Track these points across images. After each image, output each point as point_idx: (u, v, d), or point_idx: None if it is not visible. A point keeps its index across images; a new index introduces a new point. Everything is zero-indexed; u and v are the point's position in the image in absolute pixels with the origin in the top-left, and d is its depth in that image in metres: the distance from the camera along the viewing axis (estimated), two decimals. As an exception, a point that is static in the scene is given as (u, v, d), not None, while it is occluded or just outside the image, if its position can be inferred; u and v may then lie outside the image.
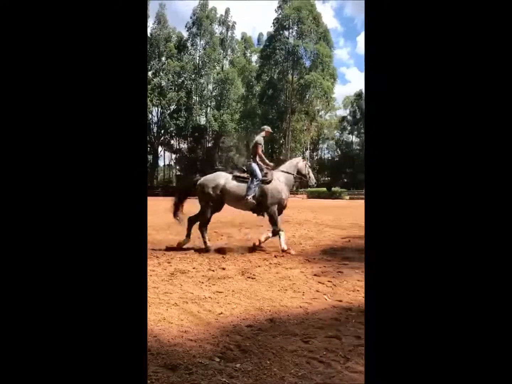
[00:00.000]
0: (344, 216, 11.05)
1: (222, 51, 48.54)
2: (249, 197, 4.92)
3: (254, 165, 5.15)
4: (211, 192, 4.99)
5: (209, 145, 45.95)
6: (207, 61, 45.26)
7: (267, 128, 5.63)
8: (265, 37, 43.85)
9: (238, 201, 5.05)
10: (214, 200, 5.01)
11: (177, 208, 5.30)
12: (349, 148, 65.05)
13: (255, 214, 5.31)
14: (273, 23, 39.04)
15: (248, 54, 51.34)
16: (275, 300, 2.76)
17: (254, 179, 5.01)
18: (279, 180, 5.17)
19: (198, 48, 46.65)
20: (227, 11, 48.83)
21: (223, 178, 5.13)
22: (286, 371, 1.66)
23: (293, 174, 5.36)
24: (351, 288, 3.13)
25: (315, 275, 3.58)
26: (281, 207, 5.21)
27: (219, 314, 2.46)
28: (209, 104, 47.01)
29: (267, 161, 5.40)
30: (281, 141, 40.74)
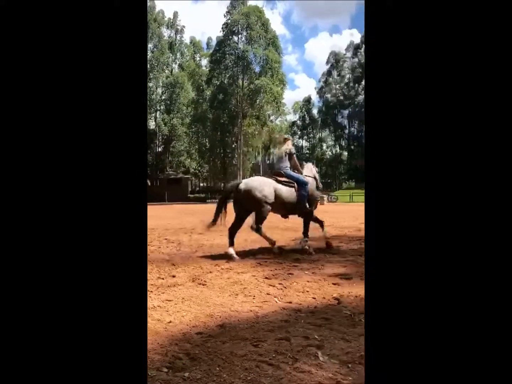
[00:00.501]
0: (295, 218, 11.25)
1: (171, 55, 47.86)
2: (307, 205, 5.21)
3: (294, 173, 5.28)
4: (261, 197, 4.85)
5: (159, 149, 44.97)
6: (156, 64, 44.41)
7: (288, 136, 5.75)
8: (214, 41, 43.86)
9: (290, 206, 5.21)
10: (263, 205, 4.90)
11: (219, 212, 5.28)
12: (299, 152, 66.56)
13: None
14: (222, 28, 39.16)
15: (198, 58, 51.05)
16: (225, 306, 2.75)
17: (304, 186, 5.15)
18: (310, 185, 5.36)
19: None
20: (175, 14, 48.30)
21: (272, 184, 5.06)
22: (236, 376, 1.66)
23: (314, 178, 5.55)
24: (300, 289, 3.19)
25: (266, 278, 3.61)
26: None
27: (168, 322, 2.40)
28: (158, 108, 46.11)
29: (300, 168, 5.50)
30: (233, 145, 40.83)
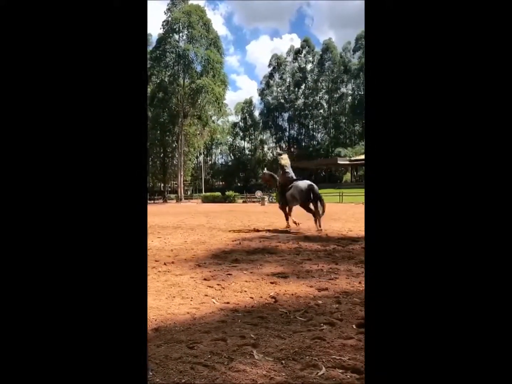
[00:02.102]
0: (236, 219, 11.32)
1: (107, 49, 45.86)
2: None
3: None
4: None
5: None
6: (91, 58, 42.26)
7: (278, 152, 8.56)
8: (154, 38, 42.64)
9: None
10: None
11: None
12: (241, 153, 67.06)
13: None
14: (162, 25, 38.26)
15: (137, 55, 49.42)
16: (161, 309, 2.69)
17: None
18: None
19: (80, 43, 43.29)
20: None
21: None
22: (170, 380, 1.63)
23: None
24: (238, 289, 3.21)
25: (204, 279, 3.59)
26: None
27: (100, 329, 2.29)
28: (94, 104, 43.94)
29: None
30: (174, 145, 40.04)
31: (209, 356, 1.86)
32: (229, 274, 3.78)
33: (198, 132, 39.96)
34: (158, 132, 39.28)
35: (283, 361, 1.80)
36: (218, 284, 3.37)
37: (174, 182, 41.32)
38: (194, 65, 38.15)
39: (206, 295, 3.04)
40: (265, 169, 8.66)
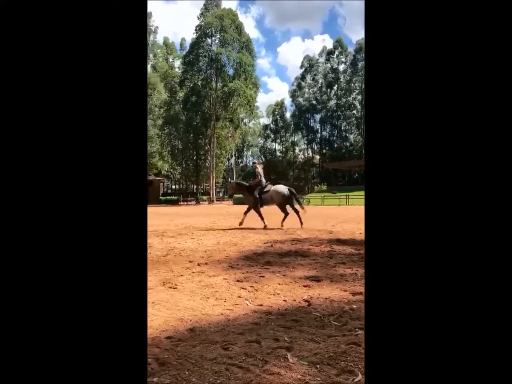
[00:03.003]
0: (268, 221, 11.32)
1: (143, 55, 47.18)
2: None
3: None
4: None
5: (131, 151, 44.16)
6: (127, 64, 43.65)
7: (254, 161, 9.94)
8: (187, 43, 43.51)
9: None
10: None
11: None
12: (272, 155, 67.05)
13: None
14: (195, 29, 38.95)
15: (171, 60, 50.57)
16: (196, 309, 2.73)
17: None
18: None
19: (117, 50, 44.83)
20: (149, 15, 47.64)
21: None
22: (205, 380, 1.65)
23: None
24: (271, 291, 3.21)
25: (237, 281, 3.61)
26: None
27: (137, 328, 2.36)
28: (130, 109, 45.32)
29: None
30: (206, 148, 40.59)
31: (244, 358, 1.87)
32: (262, 276, 3.78)
33: (229, 135, 40.35)
34: (191, 135, 39.96)
35: (318, 366, 1.78)
36: (251, 286, 3.39)
37: (206, 184, 41.89)
38: (226, 69, 38.62)
39: (239, 297, 3.06)
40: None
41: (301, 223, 9.16)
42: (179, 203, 34.77)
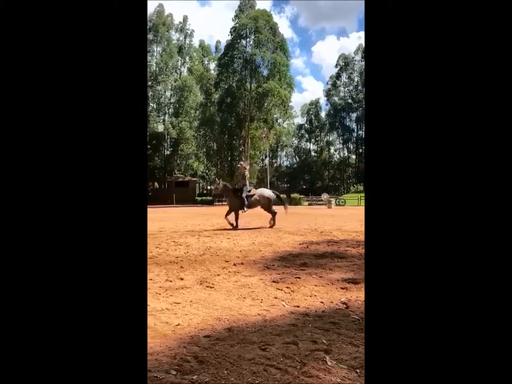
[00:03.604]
0: (303, 222, 11.24)
1: (179, 58, 48.23)
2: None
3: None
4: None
5: (168, 152, 45.22)
6: (164, 68, 44.77)
7: (240, 164, 10.00)
8: (222, 45, 44.02)
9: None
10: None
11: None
12: (307, 155, 66.52)
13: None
14: (230, 31, 39.32)
15: (206, 62, 51.38)
16: (233, 309, 2.76)
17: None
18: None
19: (155, 54, 46.06)
20: (184, 18, 48.71)
21: None
22: (243, 380, 1.66)
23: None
24: (308, 293, 3.18)
25: (273, 281, 3.61)
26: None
27: (176, 325, 2.41)
28: (167, 111, 46.44)
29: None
30: (240, 149, 40.89)
31: (281, 359, 1.87)
32: (298, 278, 3.76)
33: (264, 135, 40.42)
34: (226, 136, 40.40)
35: (358, 370, 1.74)
36: (287, 287, 3.37)
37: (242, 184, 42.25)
38: (260, 69, 38.72)
39: (275, 298, 3.06)
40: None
41: (274, 224, 9.54)
42: (214, 204, 35.26)
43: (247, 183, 9.51)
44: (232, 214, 9.42)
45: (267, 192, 9.96)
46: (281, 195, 10.11)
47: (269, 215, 9.77)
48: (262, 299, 3.01)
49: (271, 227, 9.38)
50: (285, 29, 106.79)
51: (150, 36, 44.94)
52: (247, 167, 9.63)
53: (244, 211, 9.27)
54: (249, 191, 9.41)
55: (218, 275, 3.95)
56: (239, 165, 9.97)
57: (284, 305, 2.86)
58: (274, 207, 9.95)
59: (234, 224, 9.12)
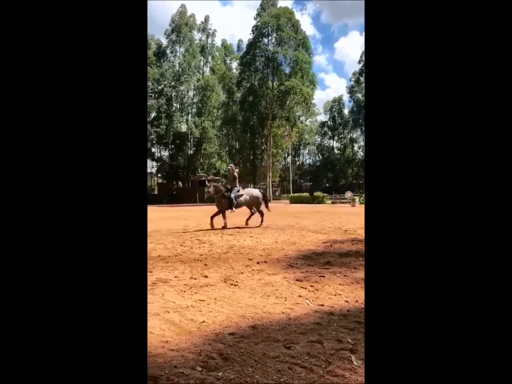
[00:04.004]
0: (326, 221, 11.14)
1: (202, 58, 48.64)
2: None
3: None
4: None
5: (191, 152, 45.73)
6: (187, 68, 45.26)
7: (230, 166, 9.90)
8: (245, 44, 44.11)
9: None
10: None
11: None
12: (330, 153, 65.88)
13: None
14: (252, 30, 39.32)
15: (228, 61, 51.61)
16: (257, 307, 2.76)
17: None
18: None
19: (178, 55, 46.62)
20: (206, 18, 49.04)
21: None
22: (268, 378, 1.66)
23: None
24: (332, 292, 3.15)
25: (297, 280, 3.59)
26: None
27: (201, 322, 2.44)
28: (190, 111, 46.96)
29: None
30: (262, 147, 40.90)
31: (306, 358, 1.86)
32: (322, 276, 3.73)
33: (286, 133, 40.24)
34: (248, 135, 40.49)
35: (385, 371, 1.71)
36: (311, 286, 3.36)
37: (263, 183, 42.22)
38: (282, 67, 38.51)
39: (299, 296, 3.05)
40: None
41: (262, 222, 9.74)
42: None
43: (237, 184, 9.58)
44: (221, 215, 9.43)
45: (256, 192, 10.11)
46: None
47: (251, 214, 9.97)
48: (286, 298, 3.00)
49: (259, 226, 9.51)
50: (307, 26, 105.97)
51: (173, 37, 45.51)
52: (236, 169, 9.61)
53: (232, 211, 9.27)
54: (238, 191, 9.46)
55: (241, 273, 3.97)
56: (229, 167, 9.95)
57: (308, 304, 2.84)
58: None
59: (223, 225, 9.11)
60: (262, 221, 9.77)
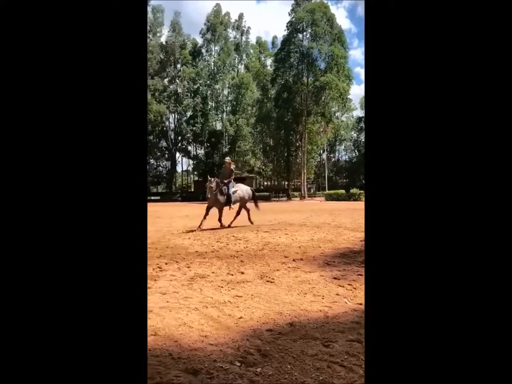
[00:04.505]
0: (363, 219, 10.90)
1: (236, 56, 48.93)
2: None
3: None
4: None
5: (226, 149, 46.20)
6: (222, 66, 45.68)
7: (227, 159, 9.26)
8: (279, 40, 43.89)
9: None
10: None
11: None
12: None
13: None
14: (286, 26, 39.03)
15: (263, 58, 51.60)
16: (294, 304, 2.75)
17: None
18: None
19: (213, 54, 47.16)
20: (240, 16, 49.25)
21: None
22: (307, 376, 1.65)
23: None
24: (371, 291, 3.08)
25: (334, 278, 3.55)
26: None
27: (239, 318, 2.46)
28: (225, 109, 47.39)
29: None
30: (297, 144, 40.63)
31: (345, 357, 1.83)
32: (360, 275, 3.66)
33: (321, 130, 39.72)
34: (283, 131, 40.32)
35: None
36: (349, 284, 3.30)
37: (298, 180, 41.95)
38: (317, 63, 38.01)
39: (337, 294, 3.01)
40: (212, 178, 8.74)
41: (249, 219, 9.33)
42: (271, 199, 35.45)
43: (233, 179, 8.91)
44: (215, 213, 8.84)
45: (247, 188, 9.55)
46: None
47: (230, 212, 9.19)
48: (323, 296, 2.97)
49: (252, 223, 9.13)
50: (342, 20, 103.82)
51: (208, 36, 46.04)
52: (233, 164, 8.96)
53: (231, 208, 8.70)
54: (233, 186, 8.86)
55: (277, 270, 3.97)
56: (226, 160, 9.21)
57: (346, 302, 2.80)
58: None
59: (220, 224, 8.61)
60: (250, 217, 9.29)
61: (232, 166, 8.98)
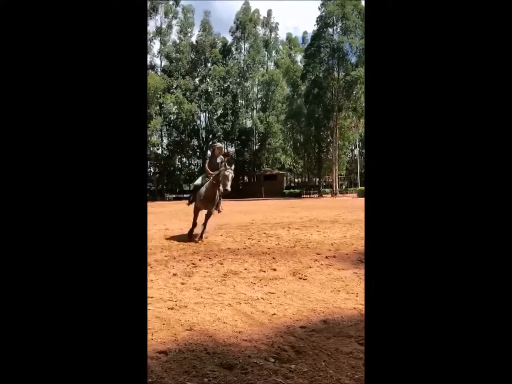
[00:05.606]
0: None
1: (266, 53, 48.85)
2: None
3: None
4: None
5: (256, 147, 46.31)
6: (252, 64, 45.76)
7: (218, 145, 7.37)
8: (309, 35, 43.44)
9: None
10: None
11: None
12: (400, 144, 62.48)
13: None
14: (316, 21, 38.55)
15: (293, 54, 51.24)
16: (328, 302, 2.73)
17: None
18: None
19: (243, 51, 47.30)
20: (269, 12, 49.08)
21: None
22: (342, 374, 1.64)
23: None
24: (407, 289, 3.01)
25: (368, 276, 3.49)
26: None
27: (272, 315, 2.47)
28: (255, 106, 47.47)
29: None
30: (328, 140, 40.09)
31: (381, 356, 1.80)
32: (395, 273, 3.58)
33: (353, 125, 38.96)
34: (313, 128, 39.86)
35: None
36: (383, 282, 3.23)
37: (329, 177, 41.40)
38: (348, 57, 37.28)
39: (371, 292, 2.95)
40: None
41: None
42: (302, 196, 35.23)
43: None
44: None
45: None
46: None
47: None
48: (357, 293, 2.93)
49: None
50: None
51: (237, 34, 46.16)
52: (223, 150, 7.02)
53: (220, 210, 7.04)
54: None
55: (310, 267, 3.95)
56: (214, 146, 7.31)
57: (381, 301, 2.75)
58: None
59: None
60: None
61: (221, 156, 6.74)
